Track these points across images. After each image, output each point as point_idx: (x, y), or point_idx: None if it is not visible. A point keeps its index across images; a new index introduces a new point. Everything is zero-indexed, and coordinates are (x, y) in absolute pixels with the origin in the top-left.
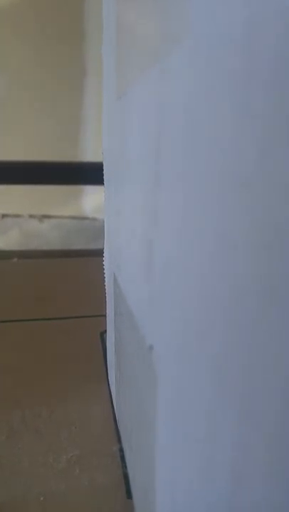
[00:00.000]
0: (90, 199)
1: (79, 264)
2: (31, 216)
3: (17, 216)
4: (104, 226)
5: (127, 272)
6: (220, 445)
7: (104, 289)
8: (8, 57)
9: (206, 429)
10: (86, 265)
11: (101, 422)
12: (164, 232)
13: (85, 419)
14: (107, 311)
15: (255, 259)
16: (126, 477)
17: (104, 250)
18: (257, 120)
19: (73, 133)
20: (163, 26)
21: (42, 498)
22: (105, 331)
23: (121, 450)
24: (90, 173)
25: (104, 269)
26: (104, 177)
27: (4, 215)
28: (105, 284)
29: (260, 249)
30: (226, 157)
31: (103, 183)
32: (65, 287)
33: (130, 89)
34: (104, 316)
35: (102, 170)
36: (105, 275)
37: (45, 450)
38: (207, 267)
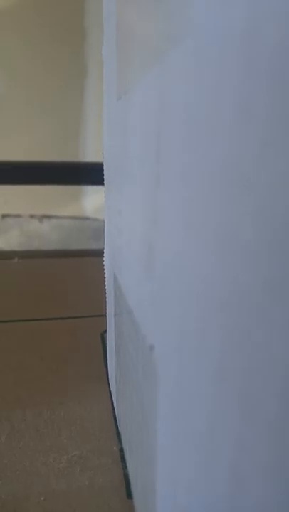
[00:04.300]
0: (91, 199)
1: (79, 264)
2: (32, 216)
3: (17, 216)
4: (104, 226)
5: (127, 272)
6: (220, 445)
7: (105, 289)
8: (9, 58)
9: (206, 429)
10: (86, 265)
11: (101, 422)
12: (165, 232)
13: (86, 419)
14: (108, 311)
15: (255, 259)
16: (126, 477)
17: (104, 250)
18: (257, 120)
19: (73, 133)
20: (163, 26)
21: (42, 498)
22: (106, 331)
23: (121, 450)
24: (91, 173)
25: (104, 269)
26: (104, 177)
27: (5, 216)
28: (105, 284)
29: (261, 249)
30: (227, 157)
31: (103, 183)
32: (65, 287)
33: (131, 89)
34: (105, 316)
35: (103, 170)
36: (106, 275)
37: (45, 450)
38: (207, 266)
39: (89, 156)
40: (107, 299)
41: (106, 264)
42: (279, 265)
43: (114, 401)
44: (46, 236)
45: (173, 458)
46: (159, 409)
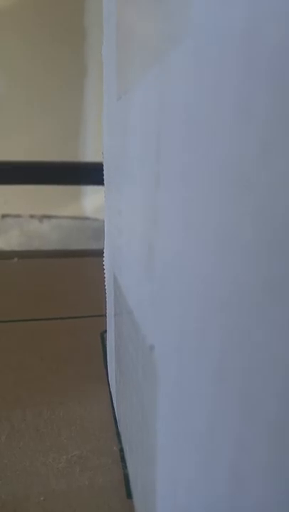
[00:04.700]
0: (91, 199)
1: (79, 264)
2: (32, 216)
3: (17, 216)
4: (104, 226)
5: (127, 272)
6: (220, 445)
7: (105, 289)
8: (9, 58)
9: (206, 429)
10: (86, 265)
11: (101, 422)
12: (165, 232)
13: (86, 419)
14: (108, 311)
15: (255, 259)
16: (126, 477)
17: (104, 250)
18: (257, 120)
19: (73, 133)
20: (163, 26)
21: (42, 498)
22: (105, 331)
23: (121, 450)
24: (91, 173)
25: (104, 269)
26: (104, 177)
27: (4, 215)
28: (105, 284)
29: (261, 249)
30: (227, 157)
31: (103, 184)
32: (65, 287)
33: (131, 89)
34: (105, 316)
35: (103, 170)
36: (105, 275)
37: (45, 450)
38: (207, 266)
39: (89, 156)
40: (107, 299)
41: (106, 264)
42: (279, 265)
43: (114, 401)
44: (46, 236)
45: (173, 458)
46: (159, 409)
